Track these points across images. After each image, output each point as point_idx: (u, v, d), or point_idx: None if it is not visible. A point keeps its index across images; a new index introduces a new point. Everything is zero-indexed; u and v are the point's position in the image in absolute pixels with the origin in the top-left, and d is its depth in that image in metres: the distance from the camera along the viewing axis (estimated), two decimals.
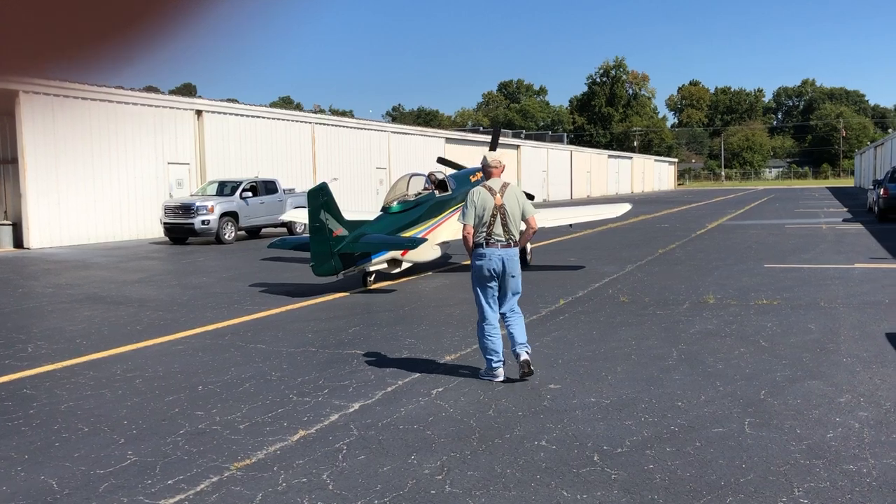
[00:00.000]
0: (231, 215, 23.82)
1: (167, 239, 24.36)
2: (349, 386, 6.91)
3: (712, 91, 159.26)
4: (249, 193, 24.71)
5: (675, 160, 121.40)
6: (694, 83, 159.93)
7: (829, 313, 9.97)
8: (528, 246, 16.47)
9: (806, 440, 5.18)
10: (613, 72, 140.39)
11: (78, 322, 10.68)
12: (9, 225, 23.56)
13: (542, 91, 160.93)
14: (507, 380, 6.91)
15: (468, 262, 17.20)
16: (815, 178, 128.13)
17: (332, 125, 37.41)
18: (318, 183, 13.17)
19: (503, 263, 6.92)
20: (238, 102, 32.58)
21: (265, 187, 25.51)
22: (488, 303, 7.01)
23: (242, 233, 25.24)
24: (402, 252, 13.91)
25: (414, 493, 4.47)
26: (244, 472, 4.87)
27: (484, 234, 6.95)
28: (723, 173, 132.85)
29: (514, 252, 7.01)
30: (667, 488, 4.43)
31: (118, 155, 25.37)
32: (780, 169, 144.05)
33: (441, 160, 20.65)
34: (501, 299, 7.07)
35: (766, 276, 13.65)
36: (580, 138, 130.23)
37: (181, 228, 23.33)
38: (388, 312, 11.02)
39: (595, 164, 77.55)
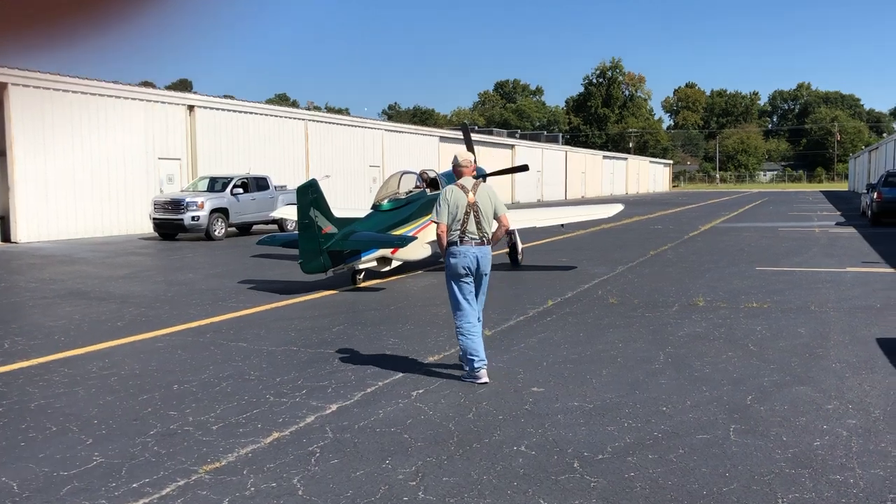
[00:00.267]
0: (221, 211, 23.62)
1: (156, 234, 24.16)
2: (328, 387, 6.76)
3: (708, 93, 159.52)
4: (240, 190, 24.52)
5: (671, 162, 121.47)
6: (690, 85, 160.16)
7: (820, 317, 9.85)
8: (520, 246, 16.37)
9: (792, 448, 5.05)
10: (610, 73, 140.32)
11: (58, 318, 10.51)
12: None
13: (539, 91, 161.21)
14: (485, 382, 6.80)
15: None
16: (809, 182, 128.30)
17: (326, 122, 37.22)
18: (308, 179, 12.99)
19: (478, 261, 6.96)
20: (226, 98, 32.41)
21: (256, 184, 25.33)
22: (466, 300, 6.98)
23: (233, 229, 25.06)
24: (391, 250, 13.77)
25: (386, 499, 4.32)
26: (212, 475, 4.71)
27: (458, 232, 6.96)
28: (717, 176, 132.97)
29: (488, 250, 7.06)
30: (647, 497, 4.29)
31: (108, 149, 25.16)
32: (775, 172, 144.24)
33: (464, 128, 20.05)
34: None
35: (757, 279, 13.53)
36: (576, 139, 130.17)
37: (170, 224, 23.13)
38: (374, 311, 10.87)
39: (590, 165, 77.50)
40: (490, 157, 50.43)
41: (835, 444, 5.13)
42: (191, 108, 28.40)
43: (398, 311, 10.89)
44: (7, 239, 22.83)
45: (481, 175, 18.06)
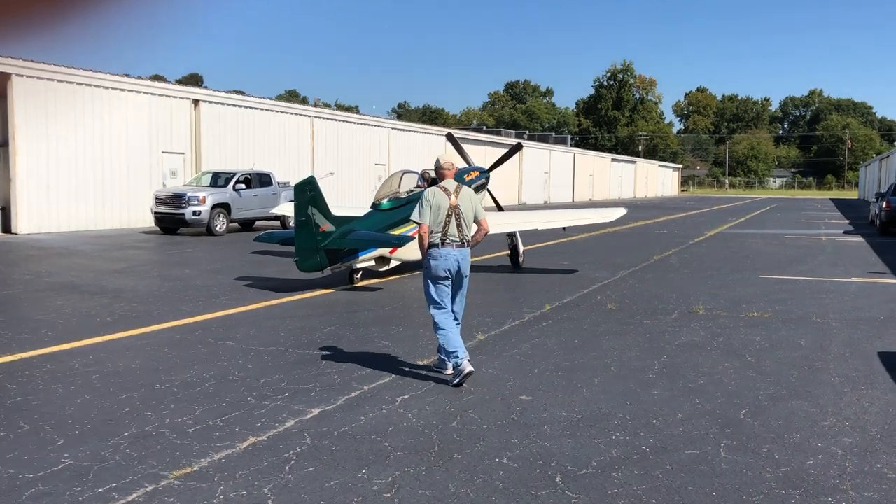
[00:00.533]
0: (223, 207, 23.50)
1: (158, 229, 24.05)
2: (312, 390, 6.60)
3: (719, 98, 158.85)
4: (243, 185, 24.39)
5: (680, 166, 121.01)
6: (701, 90, 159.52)
7: (821, 328, 9.65)
8: (521, 248, 16.20)
9: (784, 467, 4.87)
10: (621, 75, 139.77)
11: (47, 312, 10.38)
12: None
13: (549, 92, 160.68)
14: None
15: None
16: (818, 189, 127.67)
17: (332, 119, 37.09)
18: (307, 176, 12.83)
19: (458, 263, 6.98)
20: (241, 94, 32.27)
21: (259, 180, 25.20)
22: (443, 300, 7.02)
23: (235, 225, 24.94)
24: (390, 250, 13.61)
25: None
26: (182, 481, 4.56)
27: (439, 234, 6.96)
28: (727, 181, 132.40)
29: (468, 252, 7.11)
30: None
31: (111, 142, 25.07)
32: (785, 178, 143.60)
33: (451, 137, 20.12)
34: (452, 300, 7.11)
35: (760, 287, 13.32)
36: (585, 141, 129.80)
37: (172, 218, 23.02)
38: (368, 312, 10.72)
39: (598, 168, 77.21)
40: (497, 156, 50.21)
41: (829, 463, 4.95)
42: (196, 102, 28.29)
43: (393, 312, 10.73)
44: (7, 230, 22.75)
45: (483, 174, 17.93)
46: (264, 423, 5.68)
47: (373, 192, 37.05)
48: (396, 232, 13.80)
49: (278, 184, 26.04)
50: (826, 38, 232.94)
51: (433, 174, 16.06)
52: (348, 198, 33.31)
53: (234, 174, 24.67)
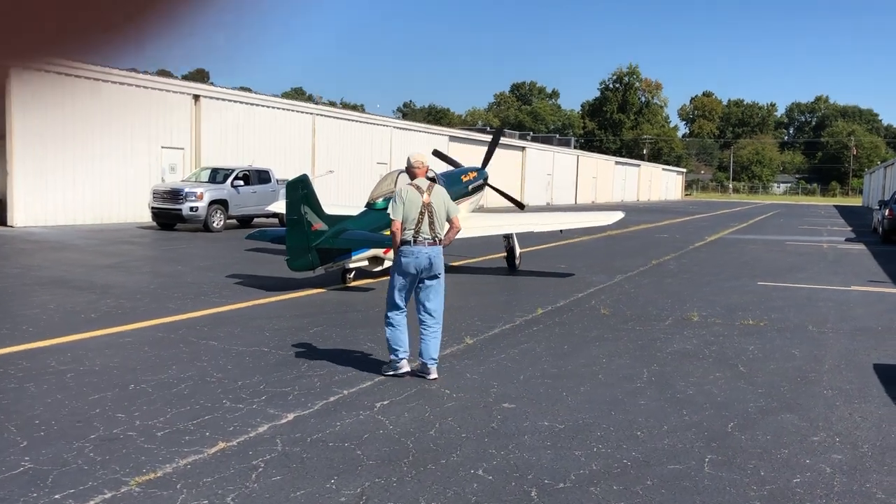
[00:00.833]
0: (221, 203, 23.34)
1: (155, 224, 23.89)
2: (290, 393, 6.44)
3: (725, 103, 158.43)
4: (241, 182, 24.22)
5: (684, 170, 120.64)
6: (707, 94, 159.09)
7: (817, 338, 9.46)
8: (517, 250, 16.03)
9: (769, 485, 4.69)
10: (627, 79, 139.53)
11: (32, 307, 10.23)
12: None
13: (555, 94, 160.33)
14: (411, 373, 7.04)
15: (456, 263, 16.77)
16: (823, 196, 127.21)
17: (335, 118, 36.92)
18: (299, 174, 12.66)
19: (430, 261, 7.00)
20: (242, 90, 32.10)
21: (258, 176, 25.03)
22: (403, 299, 7.10)
23: (234, 221, 24.77)
24: (384, 250, 13.44)
25: None
26: (143, 488, 4.40)
27: (412, 231, 6.99)
28: (730, 186, 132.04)
29: (440, 250, 7.12)
30: None
31: (110, 136, 24.91)
32: (789, 184, 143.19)
33: (437, 153, 20.14)
34: (427, 296, 7.11)
35: (757, 295, 13.14)
36: (590, 143, 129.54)
37: (169, 214, 22.86)
38: (357, 313, 10.56)
39: (602, 171, 76.94)
40: (500, 158, 49.96)
41: (816, 482, 4.77)
42: (196, 97, 28.14)
43: (382, 313, 10.50)
44: (3, 223, 22.61)
45: (482, 178, 17.77)
46: (236, 428, 5.52)
47: (389, 190, 36.94)
48: (390, 232, 13.61)
49: (277, 181, 25.86)
50: (833, 45, 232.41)
51: (430, 174, 16.01)
52: (349, 196, 33.12)
53: (233, 170, 24.51)
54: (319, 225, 12.32)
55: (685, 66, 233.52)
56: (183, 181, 24.86)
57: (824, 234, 31.72)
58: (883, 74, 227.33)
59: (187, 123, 27.87)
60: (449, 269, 15.95)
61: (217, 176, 24.35)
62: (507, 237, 15.99)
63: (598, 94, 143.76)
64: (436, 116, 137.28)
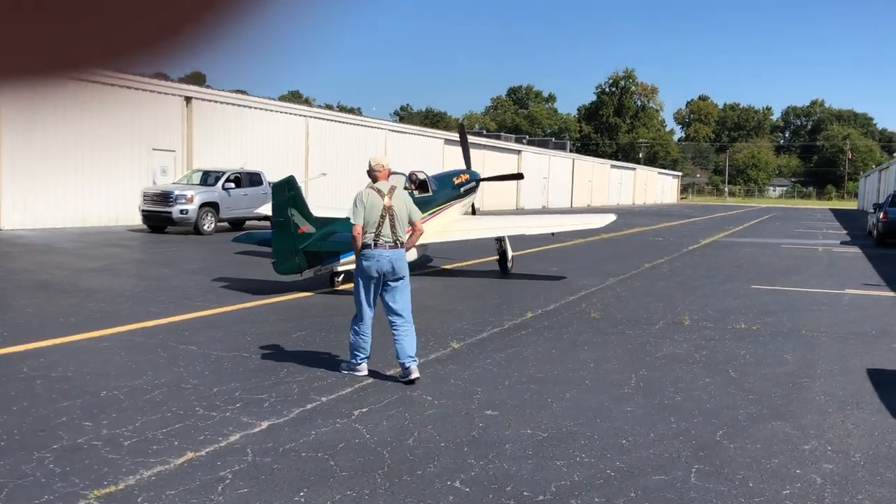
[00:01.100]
0: (211, 206, 23.12)
1: (146, 227, 23.67)
2: (266, 400, 6.24)
3: (721, 107, 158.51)
4: (232, 184, 24.00)
5: (680, 174, 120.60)
6: (703, 98, 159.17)
7: (810, 343, 9.28)
8: (510, 253, 15.85)
9: (757, 496, 4.50)
10: (623, 82, 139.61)
11: (10, 311, 10.02)
12: None
13: (551, 98, 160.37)
14: (371, 373, 7.08)
15: (448, 266, 16.59)
16: (818, 199, 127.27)
17: (328, 120, 36.73)
18: (286, 176, 12.45)
19: (392, 264, 6.97)
20: (237, 93, 31.81)
21: (250, 179, 24.81)
22: (369, 303, 7.07)
23: (225, 224, 24.55)
24: None
25: None
26: (102, 502, 4.20)
27: (373, 235, 6.96)
28: (726, 189, 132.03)
29: (402, 253, 7.08)
30: None
31: (100, 138, 24.67)
32: (785, 188, 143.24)
33: (461, 130, 20.01)
34: (393, 298, 7.07)
35: (750, 298, 12.96)
36: (586, 147, 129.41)
37: (159, 217, 22.64)
38: (343, 317, 10.31)
39: (597, 174, 76.81)
40: (496, 161, 49.93)
41: (806, 493, 4.59)
42: (188, 99, 27.92)
43: None
44: None
45: (474, 179, 17.59)
46: (207, 437, 5.32)
47: None
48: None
49: (269, 183, 25.65)
50: (828, 49, 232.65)
51: (421, 176, 15.87)
52: (343, 199, 32.90)
53: (224, 173, 24.30)
54: (307, 227, 12.13)
55: (681, 70, 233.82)
56: (174, 183, 24.65)
57: (819, 237, 31.58)
58: (878, 79, 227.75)
59: (179, 125, 27.65)
60: (440, 272, 15.85)
61: (208, 178, 24.14)
62: (499, 240, 15.80)
63: (594, 97, 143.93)
64: (433, 120, 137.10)
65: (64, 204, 23.70)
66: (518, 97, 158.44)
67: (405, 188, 14.93)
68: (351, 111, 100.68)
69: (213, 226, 23.20)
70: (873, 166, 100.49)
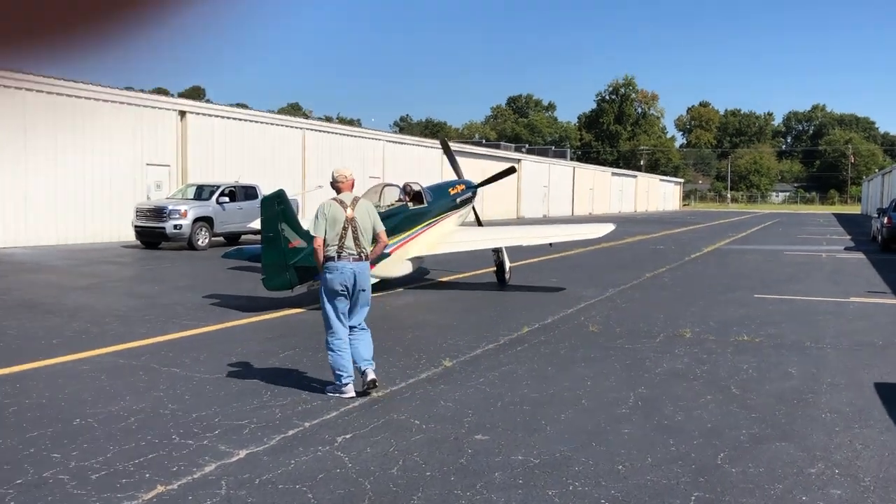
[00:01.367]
0: (206, 220, 22.88)
1: (139, 243, 23.41)
2: (246, 427, 5.96)
3: (722, 113, 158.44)
4: (227, 199, 23.75)
5: (682, 181, 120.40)
6: (704, 104, 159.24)
7: (815, 355, 8.98)
8: (507, 265, 15.59)
9: None
10: (623, 90, 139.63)
11: None
12: None
13: (551, 107, 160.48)
14: (352, 396, 6.80)
15: (444, 279, 16.33)
16: (821, 204, 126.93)
17: (325, 132, 36.55)
18: (276, 189, 12.20)
19: (355, 277, 6.89)
20: (239, 107, 31.68)
21: (245, 193, 24.56)
22: (339, 317, 6.93)
23: (221, 239, 24.29)
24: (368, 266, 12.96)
25: None
26: None
27: (336, 247, 6.88)
28: (729, 195, 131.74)
29: (366, 266, 7.01)
30: None
31: (92, 154, 24.45)
32: (787, 193, 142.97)
33: (444, 143, 19.95)
34: (351, 312, 7.01)
35: (753, 308, 12.67)
36: (587, 155, 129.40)
37: (152, 232, 22.40)
38: None
39: (598, 182, 76.60)
40: (494, 170, 49.58)
41: None
42: (182, 113, 27.73)
43: None
44: None
45: (470, 188, 17.35)
46: (181, 468, 5.04)
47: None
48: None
49: None
50: (829, 54, 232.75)
51: (415, 187, 15.62)
52: None
53: (219, 187, 24.06)
54: (298, 242, 11.85)
55: (681, 77, 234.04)
56: (168, 198, 24.43)
57: (823, 243, 31.27)
58: (880, 83, 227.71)
59: (173, 140, 27.45)
60: (437, 285, 15.57)
61: (202, 192, 23.92)
62: (497, 251, 15.55)
63: (594, 105, 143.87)
64: (433, 130, 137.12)
65: (56, 221, 23.45)
66: (518, 106, 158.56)
67: (399, 200, 14.72)
68: (351, 123, 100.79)
69: (207, 241, 22.94)
70: (876, 170, 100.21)
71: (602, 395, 7.05)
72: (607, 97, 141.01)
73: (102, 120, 24.63)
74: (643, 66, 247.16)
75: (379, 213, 13.61)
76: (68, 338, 9.50)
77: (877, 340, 9.95)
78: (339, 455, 5.34)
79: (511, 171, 19.20)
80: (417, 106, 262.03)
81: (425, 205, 15.17)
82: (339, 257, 6.85)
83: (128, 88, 25.29)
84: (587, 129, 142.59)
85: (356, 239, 6.91)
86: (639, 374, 7.93)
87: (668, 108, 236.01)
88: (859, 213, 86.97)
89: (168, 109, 27.35)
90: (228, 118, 30.00)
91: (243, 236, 25.36)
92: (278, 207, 11.69)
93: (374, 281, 13.45)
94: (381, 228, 7.24)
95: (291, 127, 33.97)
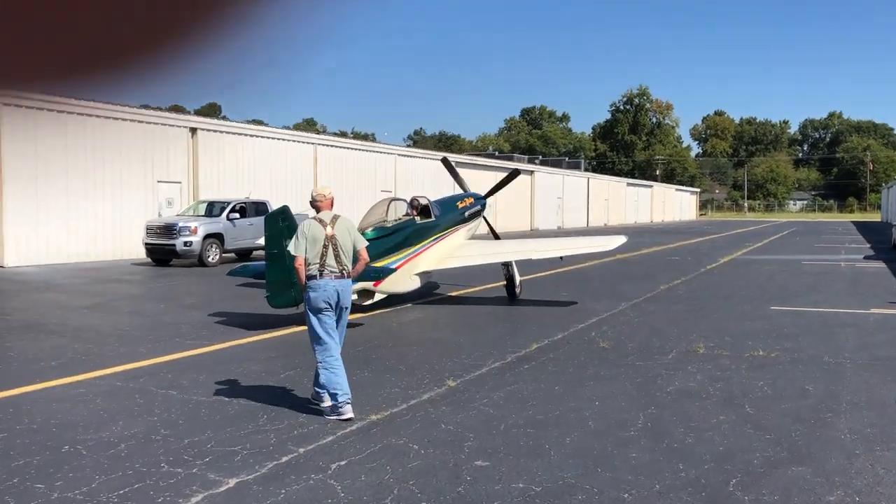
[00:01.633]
0: (216, 237, 22.78)
1: (150, 260, 23.33)
2: (238, 453, 5.75)
3: (737, 121, 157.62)
4: (237, 215, 23.66)
5: (698, 190, 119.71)
6: (719, 113, 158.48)
7: (833, 371, 8.67)
8: (517, 279, 15.36)
9: None
10: (637, 100, 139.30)
11: None
12: None
13: (565, 118, 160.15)
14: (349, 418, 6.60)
15: (454, 294, 16.09)
16: (840, 212, 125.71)
17: (337, 147, 36.48)
18: (280, 206, 12.03)
19: (338, 294, 6.90)
20: (254, 124, 31.62)
21: (255, 209, 24.45)
22: (328, 333, 6.89)
23: (231, 255, 24.18)
24: (374, 283, 12.78)
25: None
26: None
27: (317, 265, 6.88)
28: (745, 204, 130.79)
29: (348, 283, 7.04)
30: None
31: (104, 172, 24.44)
32: (805, 201, 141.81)
33: (445, 162, 19.87)
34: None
35: (769, 321, 12.35)
36: (602, 165, 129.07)
37: (162, 249, 22.32)
38: None
39: (613, 192, 76.19)
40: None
41: None
42: (193, 130, 27.72)
43: (364, 352, 9.86)
44: None
45: (479, 201, 17.13)
46: (165, 500, 4.83)
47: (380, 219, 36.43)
48: (379, 263, 12.96)
49: None
50: (844, 61, 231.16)
51: (423, 201, 15.42)
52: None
53: (229, 203, 23.98)
54: None
55: (696, 86, 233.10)
56: (178, 215, 24.36)
57: (842, 252, 30.79)
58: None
59: (184, 157, 27.42)
60: (446, 300, 15.33)
61: (213, 209, 23.83)
62: (507, 265, 15.33)
63: (608, 116, 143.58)
64: (446, 143, 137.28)
65: (67, 239, 23.41)
66: (532, 118, 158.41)
67: (407, 214, 14.51)
68: (364, 137, 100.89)
69: (217, 257, 22.84)
70: (895, 177, 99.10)
71: (610, 417, 6.79)
72: (622, 107, 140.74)
73: (113, 137, 24.62)
74: (657, 76, 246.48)
75: (386, 229, 13.73)
76: (69, 359, 9.35)
77: None
78: (332, 484, 5.12)
79: (515, 174, 18.96)
80: (431, 120, 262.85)
81: (433, 219, 14.98)
82: (321, 275, 6.87)
83: (144, 106, 25.20)
84: (602, 140, 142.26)
85: (337, 256, 6.92)
86: (649, 393, 7.66)
87: (682, 117, 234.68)
88: (879, 220, 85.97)
89: (179, 127, 27.33)
90: (239, 134, 29.96)
91: (254, 252, 25.22)
92: (282, 224, 11.50)
93: (380, 297, 13.34)
94: (361, 245, 7.24)
95: (302, 142, 33.92)
